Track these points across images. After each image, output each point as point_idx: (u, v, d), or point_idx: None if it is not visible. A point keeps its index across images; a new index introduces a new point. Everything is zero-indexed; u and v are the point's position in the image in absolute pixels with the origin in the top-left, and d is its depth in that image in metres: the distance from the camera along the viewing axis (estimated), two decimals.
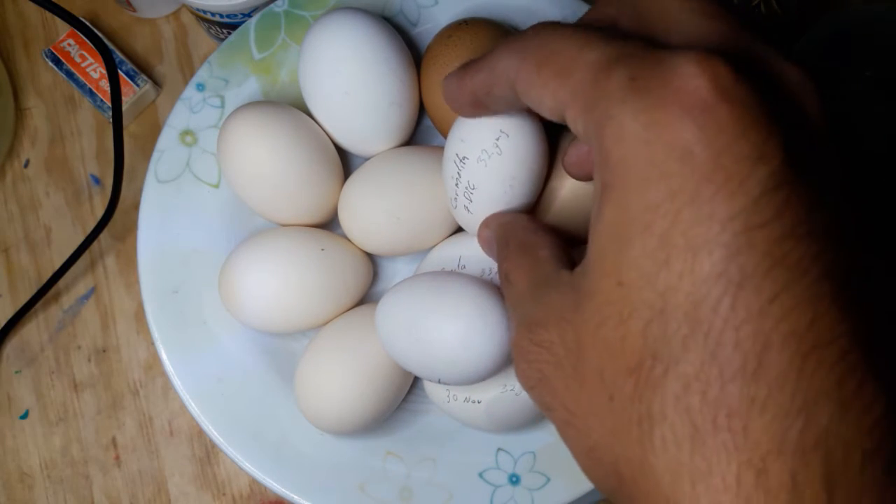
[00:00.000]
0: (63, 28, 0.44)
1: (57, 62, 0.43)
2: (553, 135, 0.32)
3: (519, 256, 0.26)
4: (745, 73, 0.18)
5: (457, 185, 0.31)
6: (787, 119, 0.19)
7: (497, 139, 0.29)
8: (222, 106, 0.37)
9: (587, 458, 0.21)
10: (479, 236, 0.31)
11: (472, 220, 0.31)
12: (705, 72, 0.18)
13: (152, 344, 0.37)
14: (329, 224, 0.37)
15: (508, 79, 0.23)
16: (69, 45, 0.43)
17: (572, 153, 0.29)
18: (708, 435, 0.17)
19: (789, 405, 0.17)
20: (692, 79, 0.18)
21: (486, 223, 0.30)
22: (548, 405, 0.22)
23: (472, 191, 0.30)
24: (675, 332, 0.18)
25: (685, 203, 0.18)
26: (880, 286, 0.19)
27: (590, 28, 0.21)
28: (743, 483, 0.17)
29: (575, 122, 0.21)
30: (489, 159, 0.29)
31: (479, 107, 0.27)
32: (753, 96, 0.18)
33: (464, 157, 0.30)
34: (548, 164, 0.31)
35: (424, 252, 0.35)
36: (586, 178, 0.30)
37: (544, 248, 0.26)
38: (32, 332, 0.43)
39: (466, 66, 0.26)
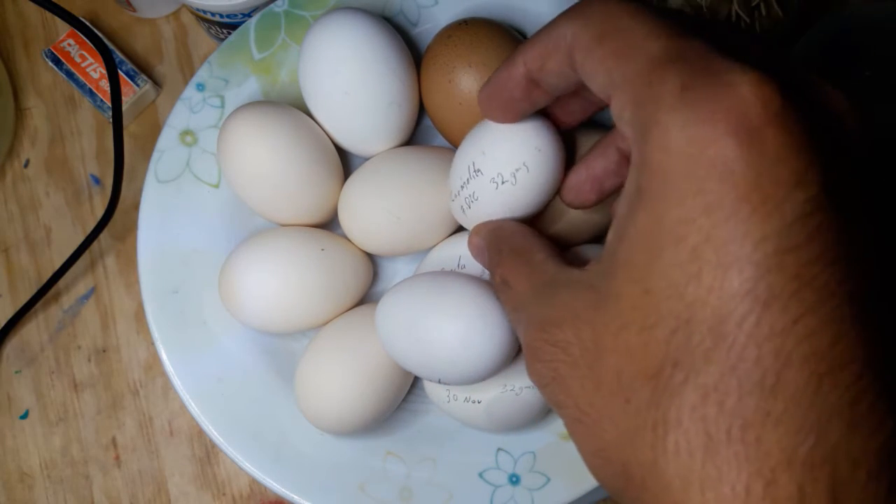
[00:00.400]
0: (63, 28, 0.44)
1: (57, 62, 0.43)
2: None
3: (514, 261, 0.26)
4: (793, 98, 0.19)
5: (462, 188, 0.31)
6: (829, 146, 0.19)
7: (517, 170, 0.29)
8: (222, 106, 0.37)
9: (596, 458, 0.21)
10: (470, 244, 0.31)
11: (465, 220, 0.32)
12: (757, 94, 0.18)
13: (152, 344, 0.37)
14: (329, 224, 0.37)
15: (566, 45, 0.23)
16: (69, 45, 0.43)
17: (572, 180, 0.29)
18: (721, 444, 0.18)
19: (802, 421, 0.18)
20: (743, 100, 0.18)
21: (477, 231, 0.31)
22: (560, 403, 0.22)
23: (473, 200, 0.30)
24: (699, 344, 0.18)
25: (720, 220, 0.18)
26: (892, 309, 0.20)
27: (660, 12, 0.21)
28: (752, 492, 0.18)
29: (620, 111, 0.21)
30: (502, 184, 0.29)
31: (533, 90, 0.26)
32: (799, 122, 0.19)
33: (478, 170, 0.30)
34: (555, 189, 0.31)
35: (424, 252, 0.35)
36: (581, 205, 0.30)
37: (539, 251, 0.26)
38: (32, 332, 0.43)
39: (513, 53, 0.25)
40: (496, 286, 0.27)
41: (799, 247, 0.18)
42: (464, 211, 0.31)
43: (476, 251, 0.31)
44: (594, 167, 0.29)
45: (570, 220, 0.33)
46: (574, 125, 0.30)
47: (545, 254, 0.26)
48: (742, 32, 0.22)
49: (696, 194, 0.18)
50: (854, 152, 0.20)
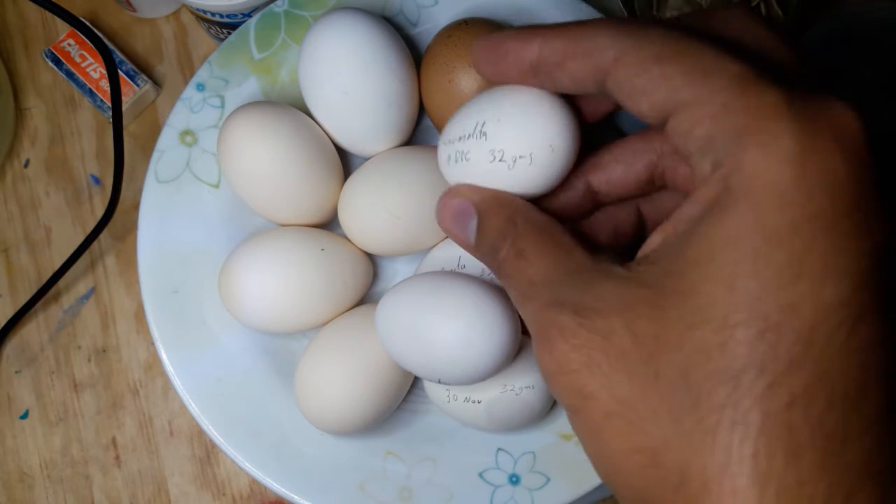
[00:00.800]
0: (63, 28, 0.44)
1: (57, 62, 0.43)
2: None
3: (536, 235, 0.25)
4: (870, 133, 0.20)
5: (460, 139, 0.27)
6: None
7: (519, 157, 0.26)
8: (222, 106, 0.37)
9: (633, 457, 0.20)
10: (446, 206, 0.27)
11: (446, 171, 0.28)
12: (855, 121, 0.19)
13: (152, 344, 0.37)
14: (329, 224, 0.37)
15: (602, 57, 0.22)
16: (69, 45, 0.43)
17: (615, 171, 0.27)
18: (804, 450, 0.18)
19: (883, 436, 0.19)
20: (850, 123, 0.19)
21: (459, 192, 0.27)
22: (588, 394, 0.21)
23: (463, 159, 0.27)
24: (788, 350, 0.19)
25: (822, 230, 0.19)
26: None
27: (716, 42, 0.22)
28: (830, 503, 0.18)
29: (693, 124, 0.21)
30: (498, 162, 0.26)
31: (531, 77, 0.25)
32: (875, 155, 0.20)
33: (484, 133, 0.26)
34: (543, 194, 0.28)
35: (424, 252, 0.35)
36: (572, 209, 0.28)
37: (564, 233, 0.25)
38: (32, 332, 0.43)
39: (531, 31, 0.24)
40: (505, 258, 0.25)
41: (887, 268, 0.19)
42: (449, 162, 0.28)
43: (452, 215, 0.27)
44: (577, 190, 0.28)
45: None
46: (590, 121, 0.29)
47: (568, 238, 0.24)
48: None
49: (803, 202, 0.19)
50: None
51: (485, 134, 0.26)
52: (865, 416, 0.18)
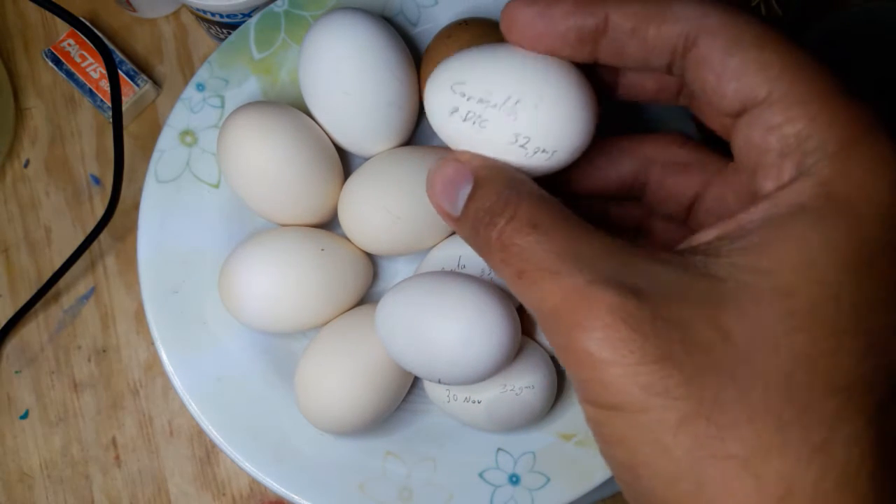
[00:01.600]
0: (63, 28, 0.44)
1: (57, 62, 0.43)
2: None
3: (547, 207, 0.22)
4: None
5: (480, 101, 0.24)
6: None
7: (542, 150, 0.24)
8: (222, 106, 0.37)
9: (719, 463, 0.18)
10: (442, 170, 0.24)
11: (445, 125, 0.25)
12: None
13: (152, 344, 0.37)
14: (329, 224, 0.37)
15: (693, 28, 0.21)
16: (69, 45, 0.43)
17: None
18: None
19: None
20: None
21: (458, 157, 0.24)
22: (659, 390, 0.18)
23: (478, 125, 0.24)
24: (892, 371, 0.18)
25: None
26: None
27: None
28: None
29: (784, 120, 0.20)
30: (516, 149, 0.24)
31: (584, 45, 0.22)
32: None
33: (515, 111, 0.24)
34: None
35: (424, 252, 0.35)
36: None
37: (573, 214, 0.22)
38: (32, 332, 0.43)
39: None
40: (507, 231, 0.21)
41: None
42: (452, 115, 0.25)
43: (446, 182, 0.24)
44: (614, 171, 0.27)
45: None
46: (632, 100, 0.26)
47: (581, 218, 0.21)
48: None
49: None
50: None
51: (515, 113, 0.23)
52: None
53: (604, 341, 0.18)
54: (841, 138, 0.19)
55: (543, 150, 0.24)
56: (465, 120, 0.24)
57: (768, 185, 0.20)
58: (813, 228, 0.19)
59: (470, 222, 0.23)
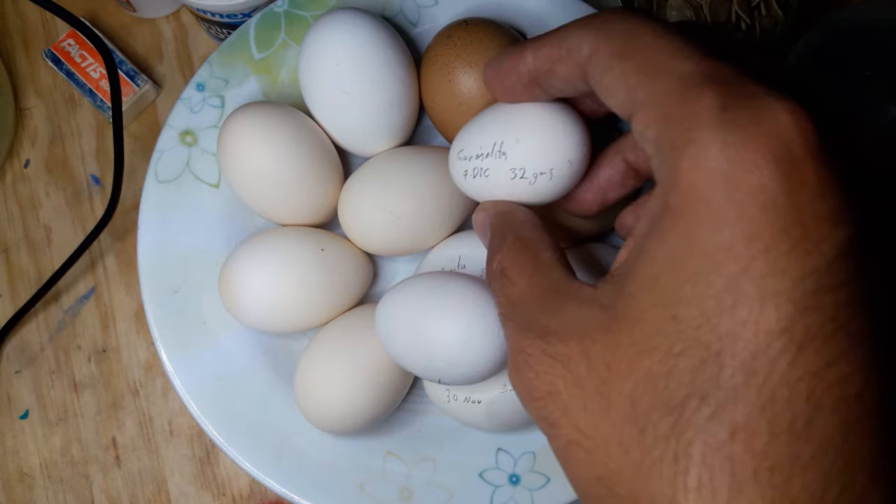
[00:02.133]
0: (63, 28, 0.44)
1: (57, 62, 0.43)
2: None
3: (519, 253, 0.25)
4: (827, 132, 0.18)
5: (477, 157, 0.29)
6: (858, 185, 0.19)
7: (541, 173, 0.28)
8: (222, 106, 0.37)
9: (595, 485, 0.20)
10: (476, 219, 0.29)
11: (463, 184, 0.30)
12: (797, 123, 0.18)
13: (152, 344, 0.37)
14: (329, 224, 0.37)
15: (580, 56, 0.22)
16: (69, 45, 0.43)
17: (583, 192, 0.28)
18: (747, 485, 0.17)
19: (829, 469, 0.17)
20: (785, 128, 0.18)
21: (484, 207, 0.29)
22: (553, 421, 0.21)
23: (483, 175, 0.29)
24: (729, 378, 0.18)
25: (760, 251, 0.18)
26: None
27: (684, 33, 0.21)
28: None
29: (645, 128, 0.20)
30: (519, 180, 0.28)
31: (534, 88, 0.25)
32: (834, 159, 0.18)
33: (504, 153, 0.28)
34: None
35: (424, 252, 0.35)
36: (581, 214, 0.30)
37: (546, 250, 0.25)
38: (32, 332, 0.43)
39: (523, 44, 0.25)
40: (490, 272, 0.26)
41: (837, 287, 0.18)
42: (465, 177, 0.30)
43: (479, 227, 0.29)
44: (598, 177, 0.28)
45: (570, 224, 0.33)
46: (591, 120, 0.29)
47: (552, 254, 0.24)
48: (767, 55, 0.21)
49: (736, 221, 0.18)
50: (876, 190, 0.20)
51: (504, 154, 0.28)
52: (812, 448, 0.17)
53: (520, 382, 0.22)
54: (674, 140, 0.19)
55: (542, 173, 0.27)
56: (474, 177, 0.29)
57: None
58: (658, 244, 0.19)
59: (487, 260, 0.27)
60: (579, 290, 0.22)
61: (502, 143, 0.28)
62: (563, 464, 0.21)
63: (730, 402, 0.18)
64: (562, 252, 0.25)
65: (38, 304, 0.42)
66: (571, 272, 0.23)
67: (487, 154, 0.28)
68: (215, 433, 0.35)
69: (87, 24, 0.37)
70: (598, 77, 0.22)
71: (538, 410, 0.21)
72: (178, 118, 0.37)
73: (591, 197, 0.29)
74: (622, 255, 0.21)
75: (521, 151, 0.28)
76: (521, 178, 0.28)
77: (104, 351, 0.42)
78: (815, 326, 0.17)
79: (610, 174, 0.28)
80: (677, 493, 0.18)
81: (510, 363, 0.23)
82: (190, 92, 0.37)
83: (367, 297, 0.37)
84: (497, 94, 0.27)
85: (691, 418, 0.18)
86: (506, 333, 0.24)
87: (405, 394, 0.35)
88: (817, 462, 0.17)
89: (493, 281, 0.25)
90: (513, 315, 0.23)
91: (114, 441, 0.42)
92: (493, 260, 0.26)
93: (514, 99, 0.27)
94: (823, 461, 0.17)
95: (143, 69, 0.44)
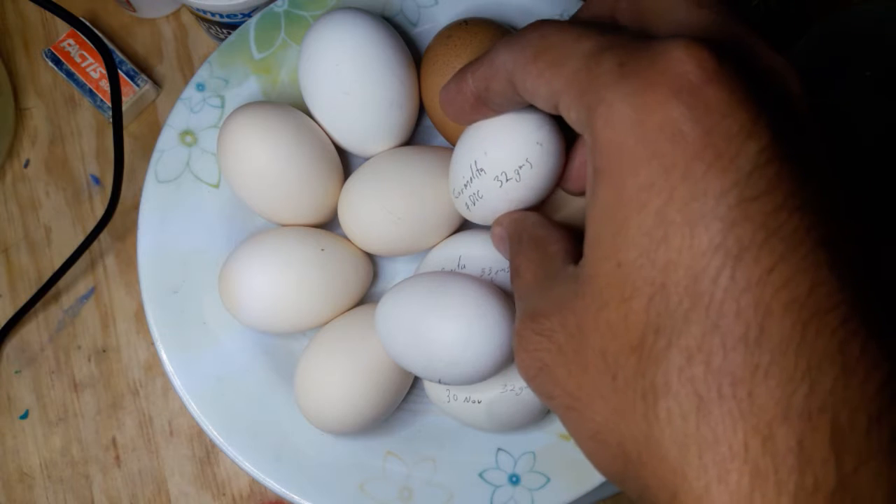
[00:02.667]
0: (63, 28, 0.44)
1: (57, 62, 0.43)
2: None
3: (530, 251, 0.26)
4: (729, 58, 0.19)
5: (465, 186, 0.31)
6: (773, 102, 0.19)
7: (520, 167, 0.29)
8: (222, 106, 0.37)
9: (591, 442, 0.21)
10: (493, 234, 0.31)
11: (469, 215, 0.32)
12: (691, 56, 0.19)
13: (152, 344, 0.37)
14: (329, 224, 0.37)
15: (507, 70, 0.24)
16: (69, 45, 0.43)
17: (572, 169, 0.29)
18: (713, 404, 0.18)
19: (793, 371, 0.17)
20: (678, 63, 0.19)
21: (499, 221, 0.30)
22: (549, 393, 0.22)
23: (478, 198, 0.30)
24: (677, 306, 0.18)
25: (678, 180, 0.18)
26: (872, 255, 0.19)
27: (586, 22, 0.22)
28: (750, 449, 0.17)
29: (568, 111, 0.21)
30: (506, 182, 0.29)
31: (480, 106, 0.27)
32: (738, 79, 0.19)
33: (481, 169, 0.30)
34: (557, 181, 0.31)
35: (424, 252, 0.35)
36: (581, 192, 0.30)
37: (554, 242, 0.26)
38: (32, 332, 0.43)
39: (464, 68, 0.27)
40: (511, 275, 0.27)
41: (761, 196, 0.18)
42: (468, 208, 0.31)
43: (498, 241, 0.30)
44: (581, 153, 0.29)
45: (572, 209, 0.33)
46: None
47: (559, 246, 0.25)
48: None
49: (650, 159, 0.19)
50: (797, 108, 0.21)
51: (482, 170, 0.29)
52: (770, 355, 0.17)
53: (520, 366, 0.23)
54: (587, 108, 0.20)
55: (521, 167, 0.29)
56: (474, 204, 0.31)
57: None
58: (592, 205, 0.20)
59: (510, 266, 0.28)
60: (565, 270, 0.23)
61: (475, 161, 0.29)
62: (568, 432, 0.22)
63: (681, 328, 0.18)
64: (571, 242, 0.26)
65: (38, 304, 0.42)
66: (573, 258, 0.24)
67: (471, 178, 0.30)
68: (215, 433, 0.35)
69: (87, 24, 0.37)
70: (522, 84, 0.23)
71: (537, 388, 0.22)
72: (178, 118, 0.37)
73: (582, 173, 0.30)
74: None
75: (493, 159, 0.29)
76: (507, 180, 0.29)
77: (104, 351, 0.42)
78: (746, 237, 0.18)
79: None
80: (652, 429, 0.18)
81: (514, 352, 0.24)
82: (190, 92, 0.37)
83: (367, 297, 0.37)
84: (452, 118, 0.29)
85: (650, 353, 0.19)
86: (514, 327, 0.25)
87: (405, 394, 0.35)
88: (777, 366, 0.17)
89: (512, 282, 0.26)
90: (518, 306, 0.25)
91: (114, 441, 0.42)
92: (512, 263, 0.27)
93: (468, 120, 0.29)
94: (784, 364, 0.17)
95: (143, 69, 0.44)
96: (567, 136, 0.30)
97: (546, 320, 0.22)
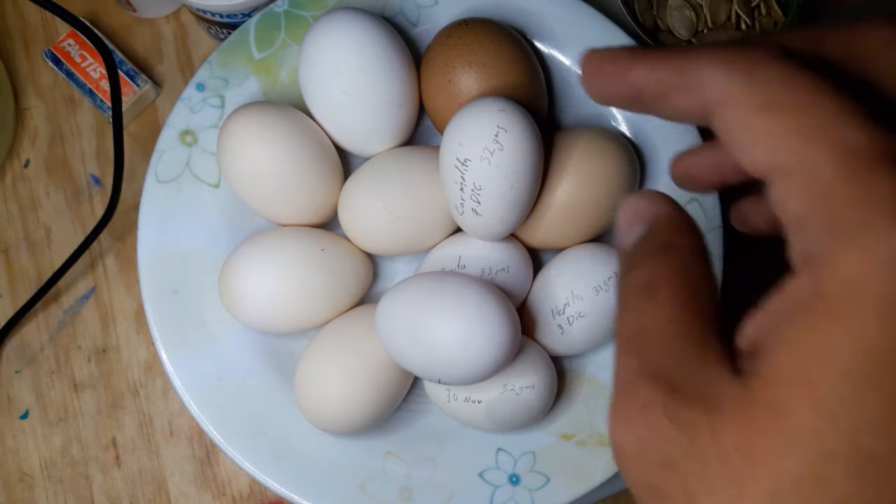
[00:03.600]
0: (63, 28, 0.44)
1: (57, 62, 0.43)
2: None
3: (677, 277, 0.20)
4: None
5: (461, 189, 0.31)
6: None
7: (496, 135, 0.29)
8: (222, 106, 0.37)
9: None
10: (627, 206, 0.23)
11: (482, 222, 0.32)
12: None
13: (152, 344, 0.37)
14: (329, 224, 0.37)
15: (707, 95, 0.20)
16: (69, 45, 0.43)
17: (704, 159, 0.26)
18: None
19: None
20: None
21: (644, 195, 0.23)
22: (667, 495, 0.18)
23: (479, 192, 0.30)
24: (891, 488, 0.16)
25: None
26: None
27: (850, 92, 0.18)
28: None
29: (787, 198, 0.18)
30: (492, 156, 0.29)
31: (634, 104, 0.23)
32: None
33: (465, 160, 0.30)
34: (543, 157, 0.31)
35: (424, 252, 0.35)
36: (692, 184, 0.27)
37: (711, 301, 0.20)
38: (32, 332, 0.43)
39: (635, 53, 0.22)
40: (627, 280, 0.21)
41: None
42: (476, 211, 0.31)
43: (628, 218, 0.23)
44: (719, 155, 0.26)
45: (551, 223, 0.33)
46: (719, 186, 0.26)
47: (712, 308, 0.20)
48: None
49: None
50: None
51: (466, 161, 0.30)
52: None
53: (628, 434, 0.19)
54: (835, 223, 0.17)
55: (496, 134, 0.29)
56: (478, 215, 0.31)
57: (793, 266, 0.18)
58: (808, 334, 0.17)
59: (618, 258, 0.23)
60: (714, 348, 0.19)
61: (456, 159, 0.31)
62: None
63: None
64: (718, 306, 0.21)
65: (38, 304, 0.42)
66: (722, 345, 0.20)
67: (462, 177, 0.31)
68: (215, 433, 0.35)
69: (87, 24, 0.37)
70: (730, 127, 0.19)
71: (645, 476, 0.18)
72: (178, 118, 0.37)
73: (710, 170, 0.26)
74: (749, 329, 0.19)
75: (468, 144, 0.30)
76: (492, 153, 0.30)
77: (104, 351, 0.42)
78: None
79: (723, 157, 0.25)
80: None
81: (615, 404, 0.19)
82: (190, 92, 0.37)
83: (367, 297, 0.37)
84: (591, 93, 0.23)
85: None
86: (619, 362, 0.20)
87: (405, 394, 0.35)
88: None
89: (628, 292, 0.21)
90: (639, 347, 0.20)
91: (114, 441, 0.42)
92: (638, 267, 0.21)
93: (608, 103, 0.24)
94: None
95: (143, 69, 0.44)
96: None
97: (687, 407, 0.18)
